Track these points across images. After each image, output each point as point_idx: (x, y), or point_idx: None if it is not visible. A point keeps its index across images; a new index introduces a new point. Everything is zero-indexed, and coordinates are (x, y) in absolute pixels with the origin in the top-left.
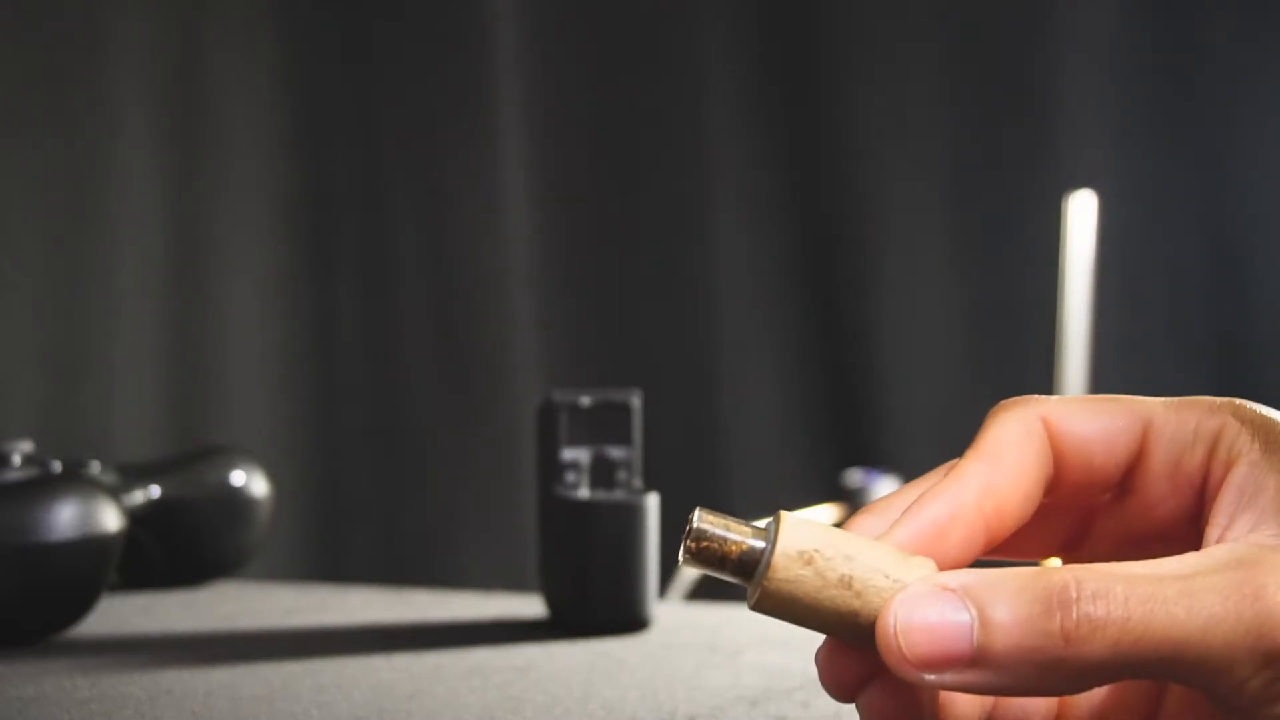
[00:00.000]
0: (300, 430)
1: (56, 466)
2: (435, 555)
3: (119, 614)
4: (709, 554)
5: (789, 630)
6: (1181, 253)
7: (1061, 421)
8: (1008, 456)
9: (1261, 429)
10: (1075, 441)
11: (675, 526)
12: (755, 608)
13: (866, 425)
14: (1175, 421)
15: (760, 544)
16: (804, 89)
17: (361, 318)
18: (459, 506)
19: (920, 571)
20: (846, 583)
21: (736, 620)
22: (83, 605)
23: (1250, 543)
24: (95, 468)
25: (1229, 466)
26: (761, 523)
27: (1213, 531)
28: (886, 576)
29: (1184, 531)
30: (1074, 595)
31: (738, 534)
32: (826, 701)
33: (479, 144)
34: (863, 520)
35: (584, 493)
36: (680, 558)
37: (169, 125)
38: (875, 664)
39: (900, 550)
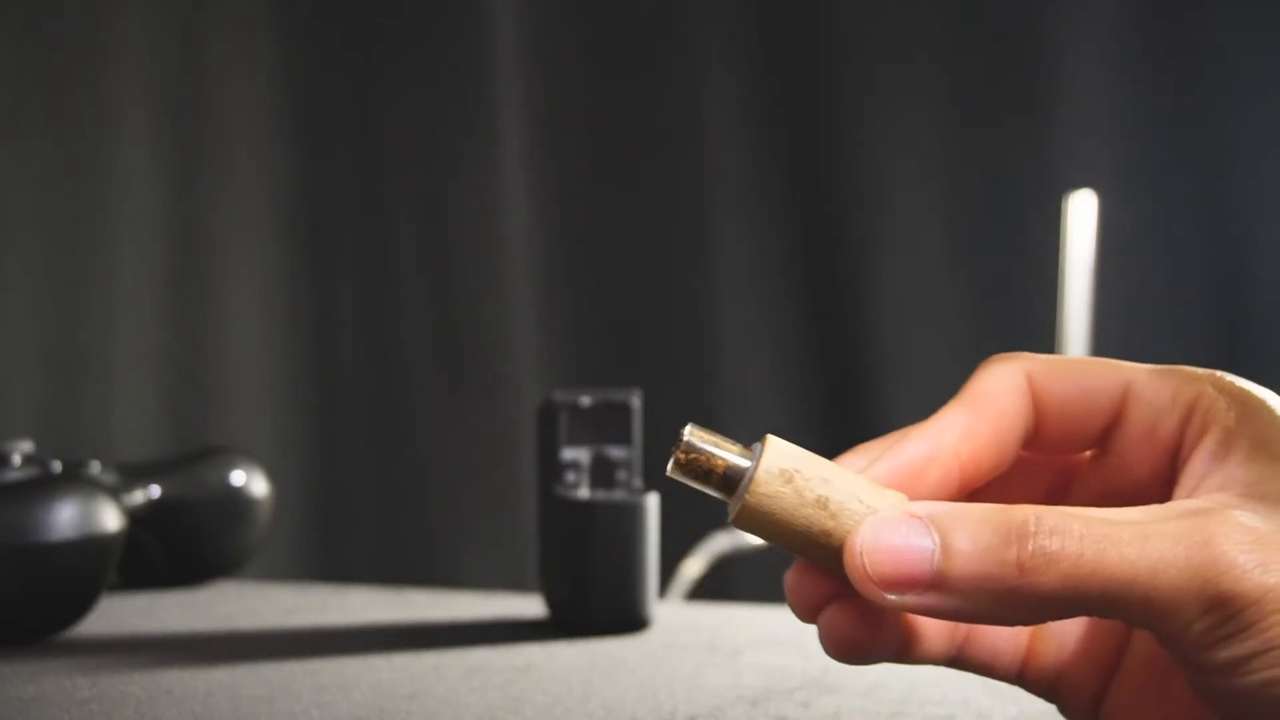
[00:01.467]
0: (300, 430)
1: (56, 466)
2: (435, 555)
3: (119, 614)
4: (696, 466)
5: (789, 630)
6: (1181, 253)
7: (1044, 378)
8: (990, 406)
9: (1237, 399)
10: (1056, 398)
11: (675, 526)
12: (735, 521)
13: (867, 425)
14: (1155, 386)
15: (745, 462)
16: (804, 89)
17: (361, 318)
18: (459, 506)
19: (892, 500)
20: (823, 503)
21: (736, 620)
22: (83, 605)
23: (1210, 499)
24: (95, 468)
25: (1203, 432)
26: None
27: (1180, 491)
28: (860, 501)
29: (1159, 493)
30: (1032, 529)
31: (725, 450)
32: (826, 701)
33: (479, 144)
34: (849, 459)
35: (584, 493)
36: (668, 468)
37: (169, 125)
38: (841, 587)
39: (876, 483)
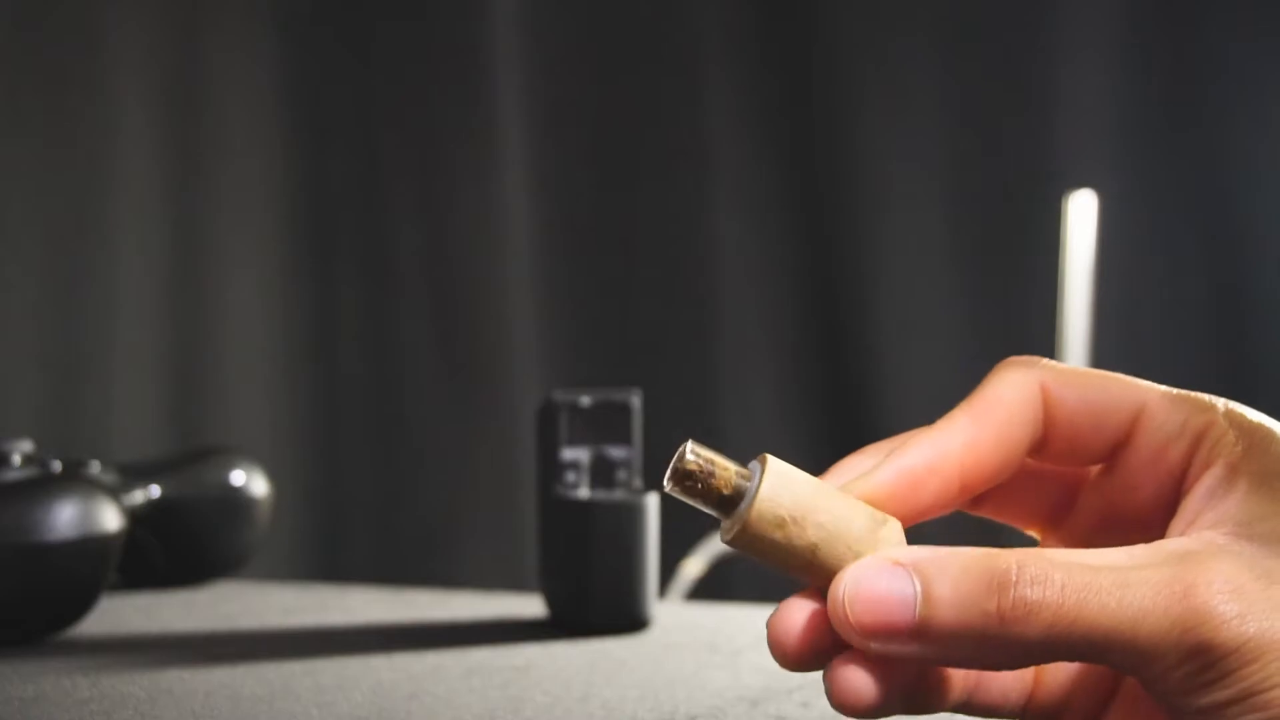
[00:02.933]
0: (300, 430)
1: (56, 466)
2: (435, 555)
3: (119, 614)
4: (693, 489)
5: None
6: (1181, 253)
7: (1058, 389)
8: (998, 414)
9: (1247, 432)
10: (1068, 411)
11: (675, 526)
12: (727, 544)
13: (867, 424)
14: (1167, 411)
15: (742, 491)
16: (804, 88)
17: (361, 317)
18: (459, 506)
19: (886, 541)
20: (812, 550)
21: (736, 620)
22: (83, 605)
23: (1198, 538)
24: (95, 468)
25: (1208, 464)
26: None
27: (1176, 524)
28: (849, 549)
29: (1161, 517)
30: (1013, 578)
31: (723, 476)
32: (826, 701)
33: (479, 144)
34: (854, 460)
35: (584, 493)
36: (666, 485)
37: (169, 125)
38: (830, 639)
39: (875, 511)
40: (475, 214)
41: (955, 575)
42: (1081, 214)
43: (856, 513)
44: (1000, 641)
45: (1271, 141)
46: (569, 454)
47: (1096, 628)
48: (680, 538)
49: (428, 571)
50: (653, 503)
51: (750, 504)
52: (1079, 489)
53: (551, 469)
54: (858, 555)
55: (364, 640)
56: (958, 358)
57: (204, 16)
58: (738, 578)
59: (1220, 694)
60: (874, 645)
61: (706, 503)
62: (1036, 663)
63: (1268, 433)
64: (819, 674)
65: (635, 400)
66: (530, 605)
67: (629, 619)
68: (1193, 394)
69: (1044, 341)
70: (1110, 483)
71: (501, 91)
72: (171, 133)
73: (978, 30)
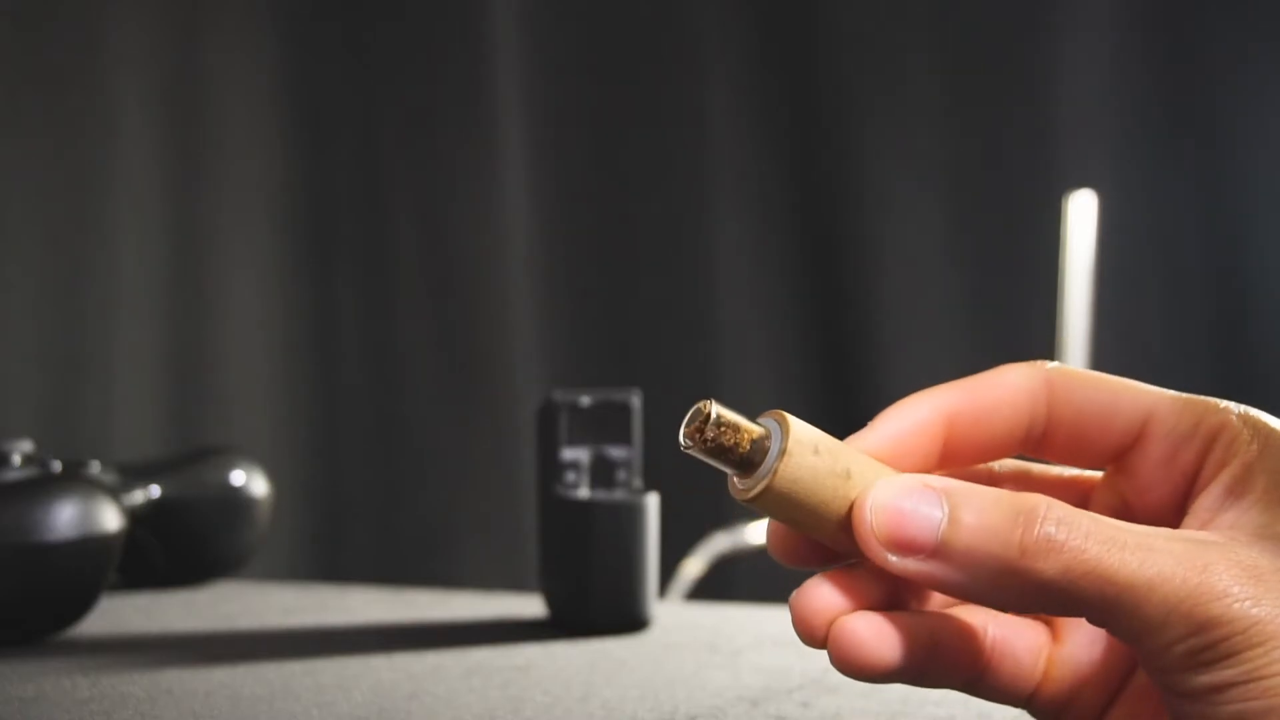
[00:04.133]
0: (300, 430)
1: (56, 466)
2: (435, 555)
3: (119, 614)
4: (720, 443)
5: (789, 630)
6: (1181, 253)
7: (1065, 388)
8: (993, 393)
9: (1262, 434)
10: (1073, 409)
11: (676, 526)
12: (754, 498)
13: (866, 425)
14: (1179, 414)
15: (762, 448)
16: (804, 89)
17: (361, 317)
18: (459, 506)
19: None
20: (846, 473)
21: (736, 620)
22: (83, 605)
23: (1219, 532)
24: (95, 468)
25: (1223, 465)
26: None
27: (1192, 520)
28: (879, 473)
29: (1173, 520)
30: (1041, 515)
31: (746, 431)
32: (827, 702)
33: (479, 143)
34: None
35: (584, 493)
36: (685, 443)
37: (169, 125)
38: (852, 601)
39: (886, 467)
40: (475, 214)
41: (984, 504)
42: (1081, 214)
43: (875, 463)
44: (1016, 575)
45: (1271, 142)
46: (569, 454)
47: (1112, 582)
48: (680, 538)
49: (428, 571)
50: (653, 503)
51: (785, 436)
52: (1090, 490)
53: (551, 469)
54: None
55: (364, 640)
56: (958, 358)
57: (204, 16)
58: (738, 578)
59: (1221, 674)
60: (892, 559)
61: (730, 460)
62: (1047, 609)
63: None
64: (818, 675)
65: (635, 400)
66: (530, 605)
67: (629, 619)
68: (1204, 398)
69: (1044, 341)
70: (1121, 485)
71: (501, 91)
72: (171, 133)
73: (978, 31)
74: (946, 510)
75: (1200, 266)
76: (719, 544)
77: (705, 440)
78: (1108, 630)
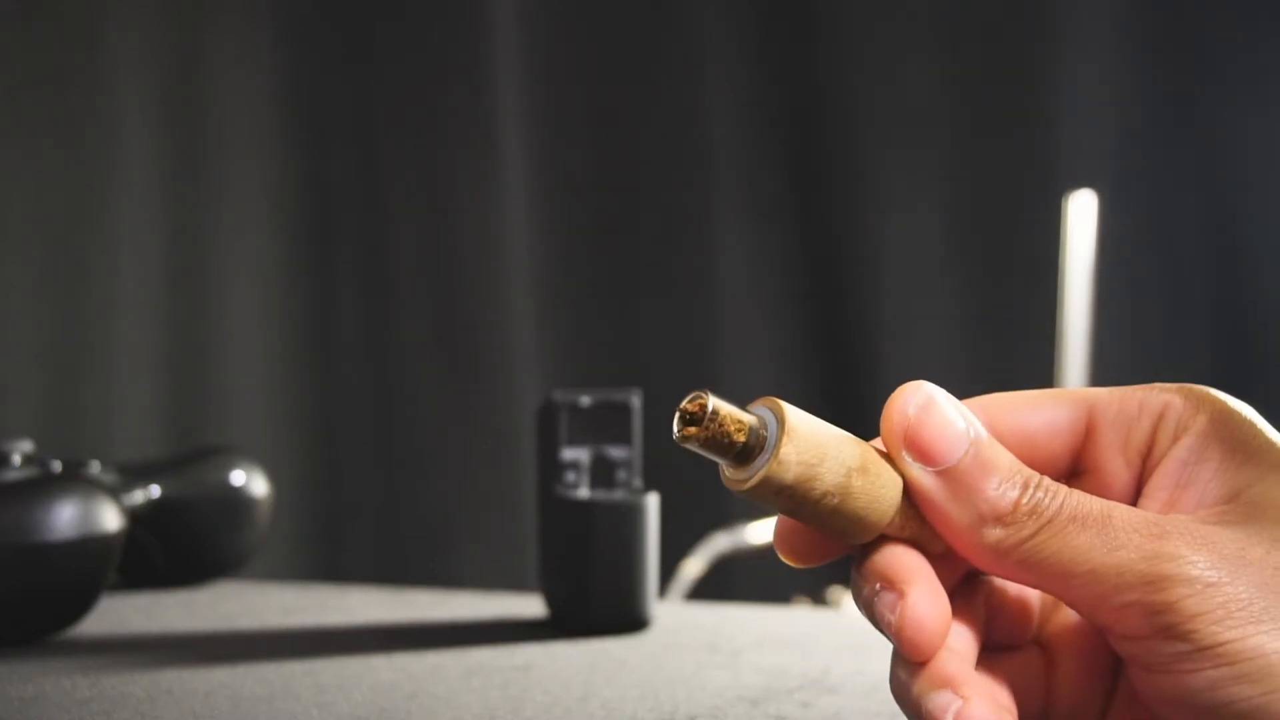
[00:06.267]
0: (300, 430)
1: (56, 466)
2: (435, 555)
3: (119, 614)
4: (715, 437)
5: (789, 630)
6: (1181, 253)
7: (1001, 417)
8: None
9: (1207, 405)
10: (1017, 432)
11: (676, 526)
12: (753, 487)
13: (866, 425)
14: (1120, 400)
15: (758, 437)
16: (804, 89)
17: (361, 317)
18: (459, 506)
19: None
20: (842, 461)
21: (736, 620)
22: (83, 605)
23: (1194, 517)
24: (95, 468)
25: (1175, 439)
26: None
27: (1155, 494)
28: (875, 459)
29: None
30: (1037, 482)
31: (744, 418)
32: (826, 701)
33: (479, 144)
34: None
35: (584, 493)
36: (680, 434)
37: (169, 125)
38: (832, 541)
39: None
40: (475, 214)
41: (1005, 458)
42: (1081, 214)
43: (870, 449)
44: (998, 522)
45: (1271, 142)
46: (569, 454)
47: (1081, 559)
48: (680, 538)
49: (428, 571)
50: (653, 503)
51: (777, 444)
52: None
53: (551, 469)
54: (891, 485)
55: (364, 640)
56: (958, 357)
57: (204, 16)
58: (738, 578)
59: (1181, 641)
60: (907, 454)
61: (723, 452)
62: (1016, 573)
63: (1225, 404)
64: (818, 675)
65: (635, 400)
66: (530, 605)
67: (629, 619)
68: (1144, 385)
69: (1044, 341)
70: (1085, 484)
71: (501, 91)
72: (171, 133)
73: (978, 31)
74: (972, 441)
75: (1200, 266)
76: (719, 544)
77: (701, 433)
78: (1068, 601)
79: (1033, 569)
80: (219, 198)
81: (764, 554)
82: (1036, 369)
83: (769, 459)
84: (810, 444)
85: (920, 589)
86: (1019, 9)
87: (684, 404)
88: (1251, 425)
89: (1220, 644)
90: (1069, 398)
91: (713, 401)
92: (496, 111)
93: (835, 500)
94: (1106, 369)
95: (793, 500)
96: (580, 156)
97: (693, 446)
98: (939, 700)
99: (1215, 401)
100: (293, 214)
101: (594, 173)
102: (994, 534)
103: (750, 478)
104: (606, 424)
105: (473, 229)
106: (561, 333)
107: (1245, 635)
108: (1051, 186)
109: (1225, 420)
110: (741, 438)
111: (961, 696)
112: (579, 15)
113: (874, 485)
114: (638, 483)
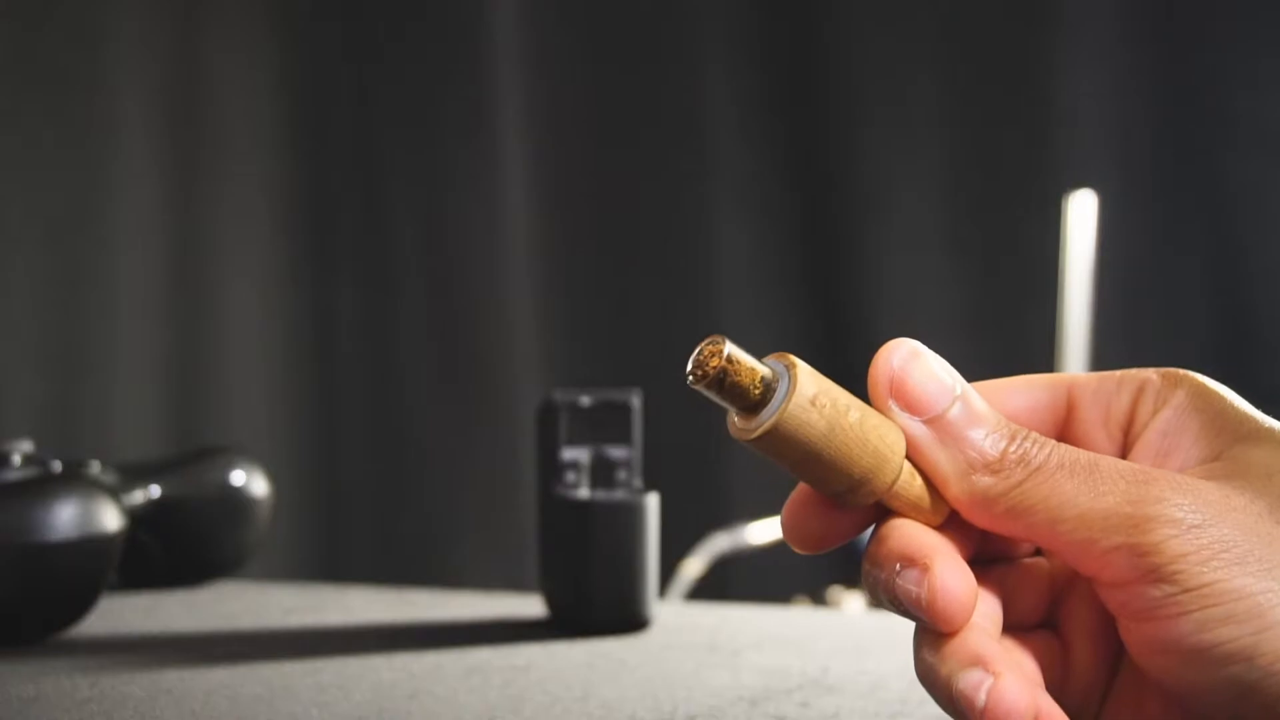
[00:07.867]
0: (300, 430)
1: (56, 466)
2: (435, 555)
3: (119, 614)
4: (728, 381)
5: (789, 630)
6: (1181, 253)
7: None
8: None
9: (1185, 381)
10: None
11: (676, 526)
12: (759, 437)
13: None
14: (1099, 379)
15: (779, 379)
16: (804, 89)
17: (361, 318)
18: (459, 506)
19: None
20: (850, 418)
21: (736, 620)
22: (83, 605)
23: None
24: (95, 468)
25: (1154, 411)
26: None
27: (1138, 464)
28: (883, 419)
29: None
30: (1025, 434)
31: (757, 367)
32: (826, 701)
33: (479, 144)
34: None
35: (584, 493)
36: (695, 379)
37: (169, 125)
38: (839, 521)
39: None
40: (475, 214)
41: (990, 407)
42: (1081, 214)
43: (876, 412)
44: (987, 470)
45: (1271, 142)
46: (569, 454)
47: (1069, 505)
48: (680, 538)
49: (428, 572)
50: (653, 503)
51: (787, 395)
52: None
53: (551, 469)
54: (894, 444)
55: (364, 640)
56: (958, 357)
57: (204, 16)
58: (738, 578)
59: (1166, 583)
60: (893, 403)
61: (733, 398)
62: (1005, 521)
63: (1201, 381)
64: (818, 675)
65: (635, 400)
66: (530, 605)
67: (629, 619)
68: (1119, 369)
69: (1044, 341)
70: None
71: (501, 92)
72: (171, 133)
73: (978, 31)
74: (959, 395)
75: (1200, 266)
76: (719, 544)
77: (714, 376)
78: (1056, 550)
79: (1020, 516)
80: (219, 198)
81: (764, 554)
82: (1036, 368)
83: (783, 403)
84: (823, 389)
85: (944, 559)
86: (1020, 9)
87: (701, 348)
88: (1227, 398)
89: (1205, 584)
90: (1047, 381)
91: (729, 348)
92: (496, 111)
93: (850, 431)
94: (1105, 368)
95: (796, 452)
96: (580, 156)
97: (703, 389)
98: (971, 678)
99: (1191, 378)
100: (293, 214)
101: (593, 173)
102: (983, 481)
103: (757, 428)
104: (606, 424)
105: (473, 230)
106: (561, 333)
107: (1230, 576)
108: (1051, 186)
109: (1202, 394)
110: (757, 387)
111: (993, 673)
112: (579, 15)
113: (882, 425)
114: (638, 483)
